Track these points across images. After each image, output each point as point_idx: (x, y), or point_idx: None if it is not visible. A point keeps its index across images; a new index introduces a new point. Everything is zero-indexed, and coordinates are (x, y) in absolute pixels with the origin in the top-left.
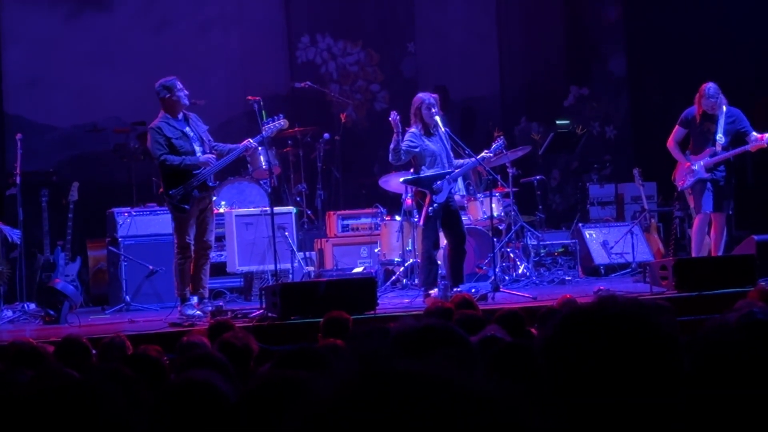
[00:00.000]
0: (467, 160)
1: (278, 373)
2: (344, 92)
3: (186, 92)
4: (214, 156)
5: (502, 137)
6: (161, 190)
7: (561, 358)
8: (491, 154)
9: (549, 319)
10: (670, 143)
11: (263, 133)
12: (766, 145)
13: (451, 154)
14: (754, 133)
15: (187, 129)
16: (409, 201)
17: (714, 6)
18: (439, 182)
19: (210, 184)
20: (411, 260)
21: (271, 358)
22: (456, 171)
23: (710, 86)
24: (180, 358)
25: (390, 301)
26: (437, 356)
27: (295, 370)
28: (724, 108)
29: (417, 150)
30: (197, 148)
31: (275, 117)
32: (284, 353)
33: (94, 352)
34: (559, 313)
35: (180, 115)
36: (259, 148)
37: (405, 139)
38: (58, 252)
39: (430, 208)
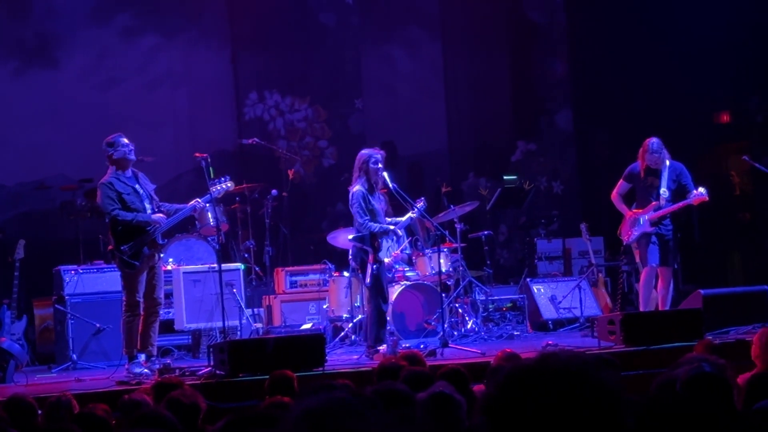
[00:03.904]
0: (401, 218)
1: None
2: (292, 148)
3: (131, 147)
4: (164, 216)
5: (423, 199)
6: (110, 247)
7: (503, 416)
8: (415, 215)
9: (495, 376)
10: (614, 196)
11: (211, 193)
12: (707, 198)
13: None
14: (695, 191)
15: (137, 186)
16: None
17: (659, 61)
18: (381, 240)
19: (159, 241)
20: (360, 316)
21: (220, 416)
22: (394, 228)
23: (653, 141)
24: (128, 417)
25: (338, 358)
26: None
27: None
28: (668, 162)
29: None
30: (147, 206)
31: (222, 178)
32: (236, 417)
33: (39, 411)
34: (501, 370)
35: (129, 172)
36: (207, 206)
37: (354, 203)
38: (4, 310)
39: (375, 266)
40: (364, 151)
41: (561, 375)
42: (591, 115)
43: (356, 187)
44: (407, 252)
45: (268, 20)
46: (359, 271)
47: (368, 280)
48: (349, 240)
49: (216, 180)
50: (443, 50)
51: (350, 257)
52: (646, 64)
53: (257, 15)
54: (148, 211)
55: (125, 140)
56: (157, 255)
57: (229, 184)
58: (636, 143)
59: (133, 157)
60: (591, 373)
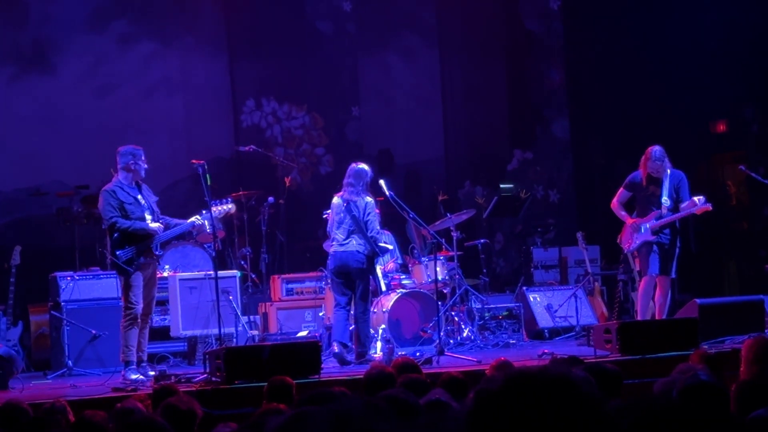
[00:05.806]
0: None
1: None
2: (289, 156)
3: (146, 166)
4: (162, 227)
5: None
6: (109, 256)
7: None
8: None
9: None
10: (614, 204)
11: (211, 213)
12: (710, 208)
13: None
14: (694, 198)
15: (139, 196)
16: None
17: (656, 70)
18: None
19: (155, 251)
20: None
21: (215, 423)
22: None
23: (656, 149)
24: (122, 424)
25: (334, 365)
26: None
27: None
28: (669, 171)
29: None
30: (148, 217)
31: (224, 200)
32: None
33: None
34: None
35: (132, 182)
36: (204, 212)
37: (371, 211)
38: (0, 316)
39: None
40: (367, 168)
41: (539, 387)
42: (587, 123)
43: (369, 198)
44: (399, 262)
45: (265, 27)
46: (358, 279)
47: (384, 288)
48: (379, 246)
49: (217, 201)
50: (440, 58)
51: (358, 265)
52: (643, 72)
53: (254, 22)
54: (148, 221)
55: (144, 157)
56: (153, 265)
57: (230, 206)
58: (632, 152)
59: (143, 174)
60: (571, 385)
